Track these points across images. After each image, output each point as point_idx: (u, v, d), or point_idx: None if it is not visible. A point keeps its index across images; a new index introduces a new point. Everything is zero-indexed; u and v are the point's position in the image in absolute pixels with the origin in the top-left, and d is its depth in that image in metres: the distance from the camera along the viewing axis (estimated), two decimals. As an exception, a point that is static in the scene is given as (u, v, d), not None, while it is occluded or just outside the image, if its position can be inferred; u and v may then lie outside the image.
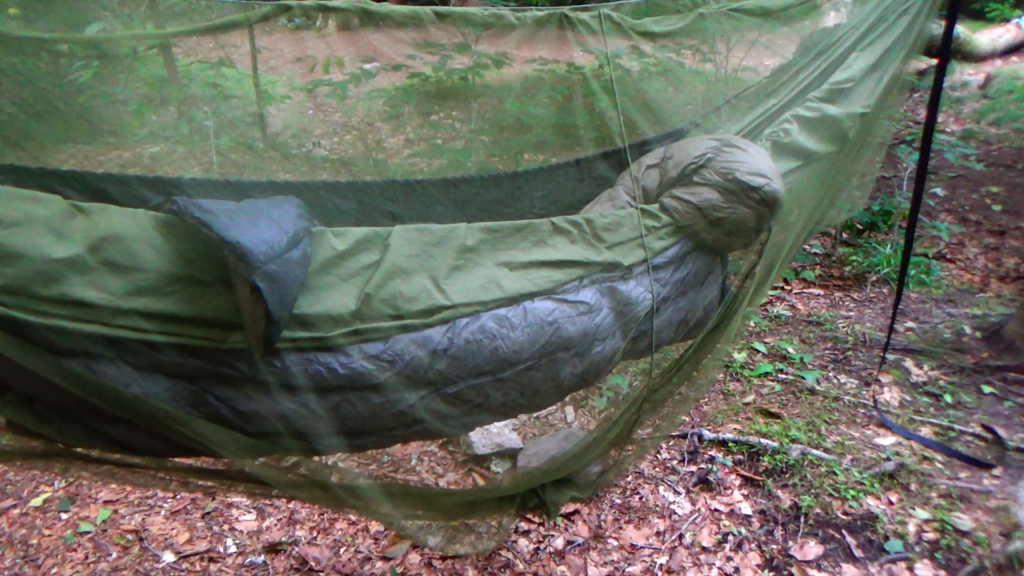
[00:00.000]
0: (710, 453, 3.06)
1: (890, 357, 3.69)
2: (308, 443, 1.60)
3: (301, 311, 1.48)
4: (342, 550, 2.52)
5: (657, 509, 2.74)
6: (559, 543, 2.57)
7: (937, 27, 3.03)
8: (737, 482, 2.87)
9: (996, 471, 2.86)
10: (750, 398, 3.43)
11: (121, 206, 1.44)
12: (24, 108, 1.88)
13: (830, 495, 2.74)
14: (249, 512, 2.66)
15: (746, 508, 2.72)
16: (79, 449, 1.57)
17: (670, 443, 3.09)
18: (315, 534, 2.58)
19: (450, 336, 1.64)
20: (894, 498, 2.73)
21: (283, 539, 2.55)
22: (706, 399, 3.44)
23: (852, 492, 2.75)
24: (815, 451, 2.99)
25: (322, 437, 1.60)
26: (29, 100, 1.90)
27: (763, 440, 3.06)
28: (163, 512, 2.64)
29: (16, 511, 2.62)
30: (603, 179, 2.13)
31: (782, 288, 4.68)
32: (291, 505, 2.68)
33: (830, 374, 3.62)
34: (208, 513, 2.65)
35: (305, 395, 1.53)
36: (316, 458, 1.73)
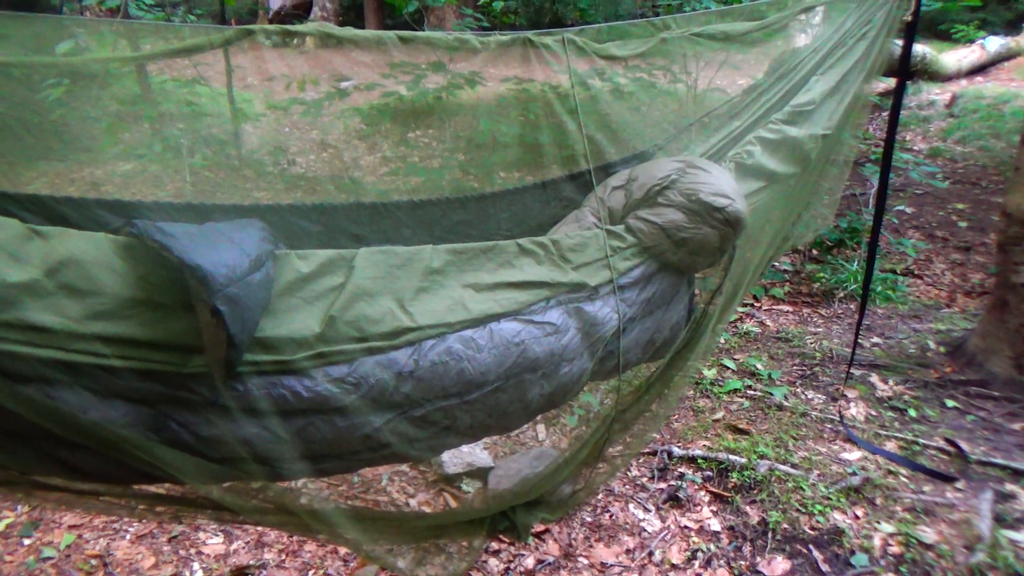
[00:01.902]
0: (680, 470, 3.07)
1: (856, 372, 3.75)
2: (272, 468, 1.59)
3: (264, 334, 1.47)
4: (311, 573, 2.50)
5: (627, 527, 2.75)
6: (529, 562, 2.57)
7: (897, 49, 3.11)
8: (706, 498, 2.89)
9: (959, 484, 2.91)
10: (719, 414, 3.46)
11: (81, 229, 1.43)
12: None
13: (797, 510, 2.77)
14: (216, 535, 2.62)
15: (715, 524, 2.74)
16: (36, 477, 1.54)
17: (640, 460, 3.11)
18: (284, 557, 2.55)
19: (416, 358, 1.64)
20: (860, 512, 2.76)
21: (251, 562, 2.52)
22: (676, 416, 3.46)
23: (819, 507, 2.77)
24: (783, 467, 3.02)
25: (287, 462, 1.58)
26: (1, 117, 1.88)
27: (732, 456, 3.09)
28: (128, 536, 2.60)
29: (-24, 538, 2.56)
30: (569, 201, 2.16)
31: (752, 305, 4.74)
32: (259, 528, 2.65)
33: (798, 390, 3.67)
34: (175, 537, 2.61)
35: (269, 419, 1.51)
36: (282, 483, 1.71)
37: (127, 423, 1.42)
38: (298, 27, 1.58)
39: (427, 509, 2.80)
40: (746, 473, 2.97)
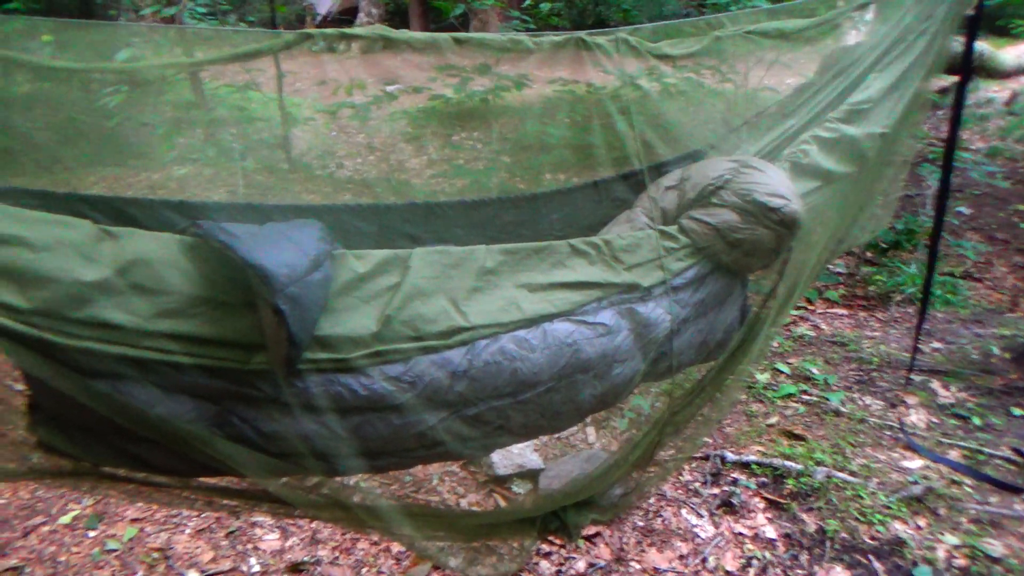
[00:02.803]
0: (733, 475, 3.02)
1: (916, 378, 3.64)
2: (329, 464, 1.61)
3: (322, 333, 1.50)
4: (364, 570, 2.53)
5: (680, 532, 2.71)
6: (581, 566, 2.56)
7: (958, 45, 3.02)
8: (761, 505, 2.84)
9: (1028, 495, 2.80)
10: (773, 419, 3.39)
11: (148, 230, 1.48)
12: (55, 132, 1.94)
13: (856, 519, 2.70)
14: (272, 531, 2.68)
15: (770, 532, 2.69)
16: (106, 468, 1.60)
17: (692, 465, 3.07)
18: (337, 554, 2.59)
19: (470, 358, 1.65)
20: (922, 523, 2.68)
21: (305, 559, 2.56)
22: (729, 420, 3.40)
23: (879, 516, 2.70)
24: (841, 474, 2.95)
25: (343, 458, 1.61)
26: (60, 125, 1.95)
27: (787, 462, 3.03)
28: (188, 531, 2.67)
29: (46, 528, 2.66)
30: (621, 201, 2.15)
31: (805, 308, 4.64)
32: (313, 525, 2.69)
33: (855, 395, 3.58)
34: (232, 532, 2.67)
35: (326, 416, 1.54)
36: (338, 479, 1.74)
37: (192, 418, 1.46)
38: (355, 30, 1.61)
39: (477, 509, 2.81)
40: (802, 480, 2.91)
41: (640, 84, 2.16)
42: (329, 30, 1.58)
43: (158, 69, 2.05)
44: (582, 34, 1.89)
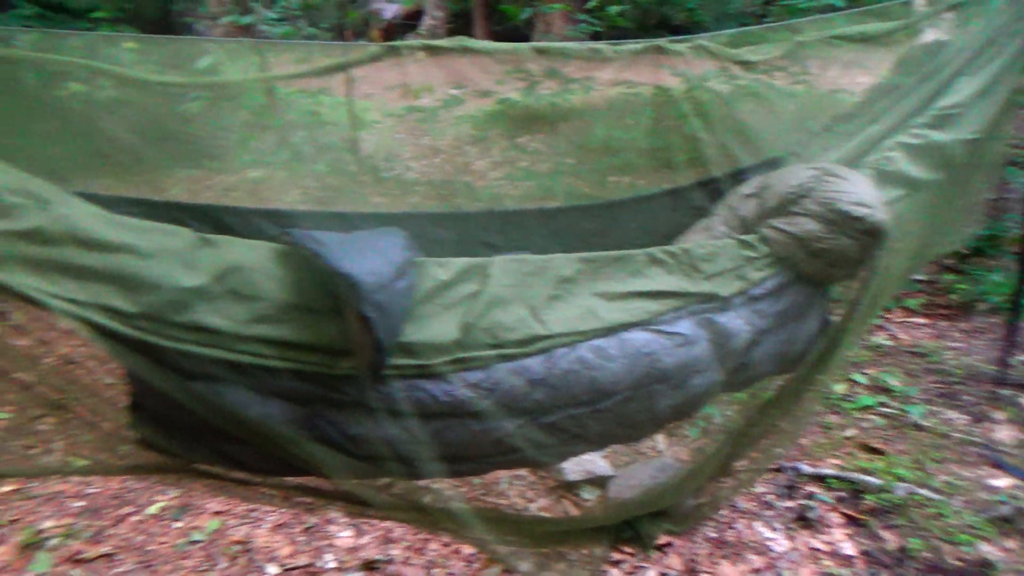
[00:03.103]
0: (809, 488, 2.95)
1: (1003, 392, 3.48)
2: (410, 467, 1.64)
3: (406, 339, 1.53)
4: (435, 571, 2.57)
5: (753, 545, 2.67)
6: (651, 575, 2.54)
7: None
8: (839, 520, 2.76)
9: None
10: (851, 432, 3.30)
11: (242, 237, 1.54)
12: (138, 135, 2.03)
13: (940, 538, 2.60)
14: (347, 529, 2.74)
15: (849, 548, 2.61)
16: (201, 466, 1.67)
17: (766, 476, 3.01)
18: (409, 554, 2.63)
19: (548, 366, 1.66)
20: (1012, 544, 2.56)
21: (379, 557, 2.62)
22: (803, 432, 3.32)
23: (964, 536, 2.60)
24: (923, 491, 2.85)
25: (424, 462, 1.64)
26: (143, 128, 2.04)
27: (866, 477, 2.94)
28: (267, 525, 2.76)
29: (135, 518, 2.79)
30: (699, 209, 2.12)
31: (883, 317, 4.49)
32: (386, 524, 2.75)
33: (937, 409, 3.45)
34: (309, 528, 2.75)
35: (409, 420, 1.57)
36: (417, 482, 1.77)
37: (283, 420, 1.52)
38: (440, 41, 1.64)
39: (547, 515, 2.81)
40: (883, 496, 2.82)
41: (718, 88, 2.13)
42: (414, 42, 1.62)
43: (235, 85, 2.14)
44: (661, 41, 1.88)
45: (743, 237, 1.95)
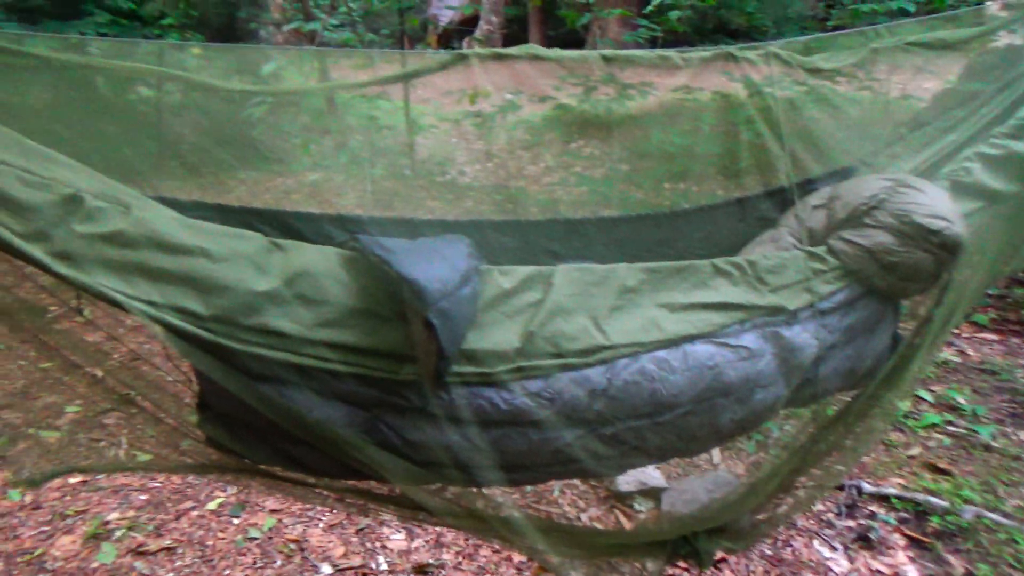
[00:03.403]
0: (870, 508, 2.86)
1: (1082, 414, 3.32)
2: (469, 475, 1.64)
3: (469, 346, 1.53)
4: (485, 577, 2.57)
5: (811, 564, 2.59)
6: (704, 591, 2.49)
7: None
8: (902, 542, 2.67)
9: None
10: (915, 451, 3.18)
11: (310, 242, 1.57)
12: (202, 138, 2.09)
13: (1012, 566, 2.49)
14: (399, 532, 2.76)
15: (912, 572, 2.52)
16: (263, 466, 1.70)
17: (825, 494, 2.92)
18: (460, 559, 2.64)
19: (609, 376, 1.64)
20: (1090, 576, 2.44)
21: (431, 561, 2.63)
22: (868, 451, 3.22)
23: (1038, 565, 2.48)
24: (992, 515, 2.73)
25: (482, 470, 1.64)
26: (206, 131, 2.10)
27: (931, 498, 2.84)
28: (321, 525, 2.80)
29: (195, 512, 2.86)
30: (765, 219, 2.08)
31: (951, 331, 4.33)
32: (438, 528, 2.76)
33: (1008, 429, 3.30)
34: (361, 529, 2.78)
35: (469, 428, 1.57)
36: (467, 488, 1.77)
37: (345, 423, 1.53)
38: (509, 50, 1.64)
39: (598, 525, 2.79)
40: (949, 518, 2.71)
41: (781, 94, 2.08)
42: (483, 50, 1.62)
43: (298, 95, 2.18)
44: (732, 48, 1.85)
45: (811, 249, 1.90)
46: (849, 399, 2.07)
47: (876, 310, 1.96)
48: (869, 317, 1.95)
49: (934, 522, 2.72)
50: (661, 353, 1.69)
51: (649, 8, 7.15)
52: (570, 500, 2.93)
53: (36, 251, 1.29)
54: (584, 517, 2.85)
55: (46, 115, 1.80)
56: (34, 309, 1.63)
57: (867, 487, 2.94)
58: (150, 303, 1.34)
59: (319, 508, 2.86)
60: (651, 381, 1.67)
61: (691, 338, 1.72)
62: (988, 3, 2.40)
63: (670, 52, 1.78)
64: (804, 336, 1.83)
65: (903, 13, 5.40)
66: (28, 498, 2.93)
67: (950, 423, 3.36)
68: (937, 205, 1.89)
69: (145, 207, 1.43)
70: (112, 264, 1.33)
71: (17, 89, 1.78)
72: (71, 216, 1.33)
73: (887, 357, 2.04)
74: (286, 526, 2.79)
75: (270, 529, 2.77)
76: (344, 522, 2.82)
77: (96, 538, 2.72)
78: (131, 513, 2.86)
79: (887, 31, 2.05)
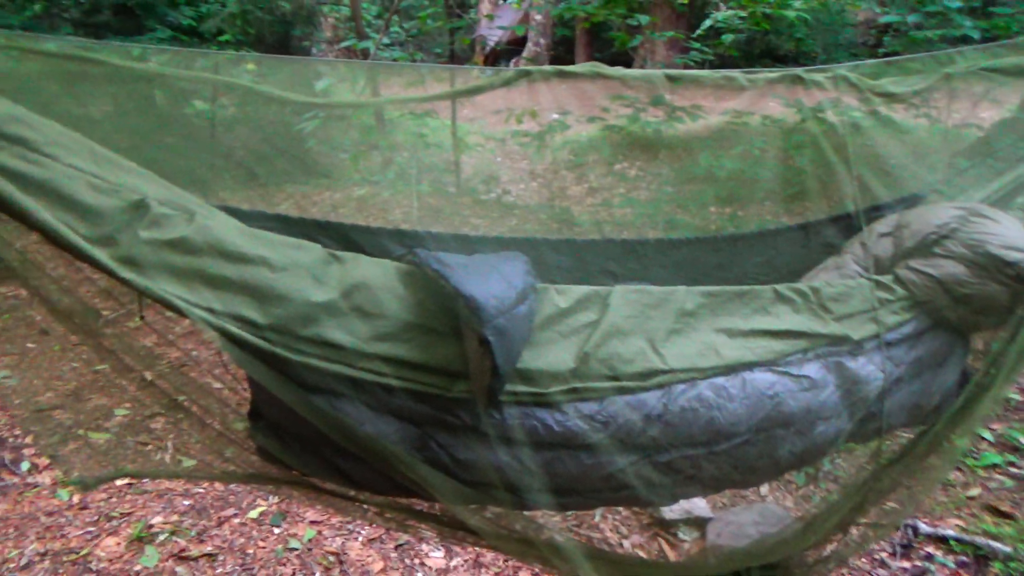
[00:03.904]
0: (927, 549, 2.74)
1: None
2: (518, 497, 1.61)
3: (523, 366, 1.51)
4: (524, 601, 2.52)
5: (864, 606, 2.49)
6: (752, 628, 2.40)
7: None
8: (961, 588, 2.55)
9: None
10: (975, 491, 3.05)
11: (368, 255, 1.56)
12: (254, 152, 2.11)
13: (1081, 619, 2.36)
14: (438, 550, 2.73)
15: (973, 620, 2.40)
16: (312, 479, 1.69)
17: (882, 535, 2.81)
18: (499, 581, 2.60)
19: (665, 402, 1.60)
20: None
21: (469, 582, 2.60)
22: (920, 486, 3.10)
23: (1110, 619, 2.34)
24: (1059, 563, 2.59)
25: (532, 492, 1.60)
26: (258, 145, 2.12)
27: (992, 542, 2.70)
28: (361, 539, 2.78)
29: (237, 520, 2.87)
30: (829, 246, 2.02)
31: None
32: (476, 548, 2.72)
33: (1075, 474, 3.15)
34: (401, 545, 2.76)
35: (520, 449, 1.54)
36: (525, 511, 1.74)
37: (396, 439, 1.51)
38: (572, 67, 1.62)
39: (641, 552, 2.72)
40: (1012, 565, 2.58)
41: (853, 118, 2.03)
42: (547, 67, 1.61)
43: (349, 108, 2.19)
44: (799, 71, 1.81)
45: (878, 277, 1.84)
46: (913, 436, 1.99)
47: (945, 343, 1.88)
48: (938, 351, 1.87)
49: (995, 567, 2.60)
50: (719, 380, 1.65)
51: (700, 31, 7.13)
52: (612, 525, 2.87)
53: (102, 255, 1.30)
54: (627, 543, 2.79)
55: (107, 125, 1.85)
56: (90, 311, 1.65)
57: (924, 527, 2.82)
58: (209, 310, 1.34)
59: (359, 522, 2.84)
60: (708, 408, 1.62)
61: (751, 365, 1.67)
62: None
63: (735, 73, 1.74)
64: (869, 368, 1.76)
65: (964, 40, 5.28)
66: (76, 498, 2.97)
67: (1012, 464, 3.21)
68: (1013, 236, 1.81)
69: (209, 215, 1.44)
70: (175, 270, 1.34)
71: (80, 101, 1.83)
72: (137, 222, 1.34)
73: (955, 394, 1.96)
74: (326, 538, 2.78)
75: (310, 540, 2.76)
76: (383, 537, 2.80)
77: (140, 541, 2.75)
78: (174, 517, 2.88)
79: (959, 55, 1.98)
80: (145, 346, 1.96)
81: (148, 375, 1.80)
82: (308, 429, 1.50)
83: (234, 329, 1.36)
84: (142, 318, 1.58)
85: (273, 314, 1.38)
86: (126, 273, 1.31)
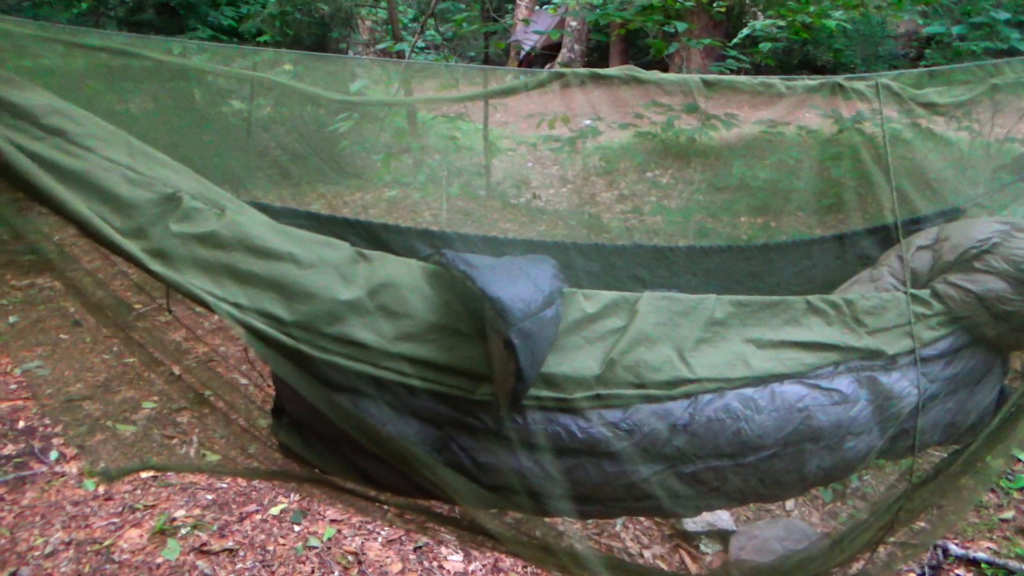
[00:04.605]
0: (957, 572, 2.66)
1: None
2: (538, 503, 1.59)
3: (548, 370, 1.49)
4: (542, 608, 2.49)
5: (892, 629, 2.42)
6: (774, 646, 2.35)
7: None
8: (993, 613, 2.47)
9: None
10: (1009, 514, 2.96)
11: (396, 254, 1.56)
12: (288, 151, 2.12)
13: (1120, 652, 2.27)
14: (456, 553, 2.72)
15: (1005, 647, 2.33)
16: (333, 477, 1.68)
17: (911, 555, 2.74)
18: (517, 587, 2.58)
19: (692, 412, 1.57)
20: None
21: (487, 587, 2.58)
22: (952, 507, 3.02)
23: None
24: (1097, 593, 2.50)
25: (552, 499, 1.58)
26: (293, 144, 2.13)
27: (1026, 568, 2.62)
28: (380, 539, 2.78)
29: (258, 516, 2.89)
30: (865, 257, 1.97)
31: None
32: (496, 552, 2.70)
33: (1116, 500, 3.04)
34: (419, 548, 2.75)
35: (542, 454, 1.53)
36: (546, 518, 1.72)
37: (417, 440, 1.50)
38: (608, 70, 1.61)
39: (662, 564, 2.68)
40: (1046, 591, 2.50)
41: (893, 128, 1.98)
42: (581, 70, 1.59)
43: (382, 107, 2.17)
44: (839, 78, 1.77)
45: (915, 291, 1.79)
46: (947, 455, 1.93)
47: (983, 361, 1.83)
48: (975, 368, 1.82)
49: (1030, 595, 2.52)
50: (748, 391, 1.61)
51: (737, 40, 7.06)
52: (633, 535, 2.83)
53: (133, 247, 1.31)
54: (647, 554, 2.75)
55: (146, 122, 1.87)
56: (123, 304, 1.67)
57: (954, 549, 2.74)
58: (236, 305, 1.35)
59: (378, 523, 2.84)
60: (736, 420, 1.59)
61: (780, 377, 1.64)
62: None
63: (774, 79, 1.71)
64: (903, 384, 1.71)
65: (1010, 53, 5.15)
66: (101, 489, 3.01)
67: (1049, 488, 3.11)
68: (1056, 252, 1.75)
69: (239, 210, 1.44)
70: (203, 264, 1.35)
71: (122, 98, 1.86)
72: (169, 215, 1.35)
73: (992, 413, 1.90)
74: (345, 537, 2.78)
75: (329, 539, 2.77)
76: (403, 538, 2.79)
77: (163, 534, 2.77)
78: (197, 512, 2.91)
79: (1007, 66, 1.93)
80: (174, 340, 1.98)
81: (176, 369, 1.82)
82: (330, 427, 1.49)
83: (260, 325, 1.36)
84: (170, 311, 1.59)
85: (299, 311, 1.38)
86: (156, 266, 1.32)
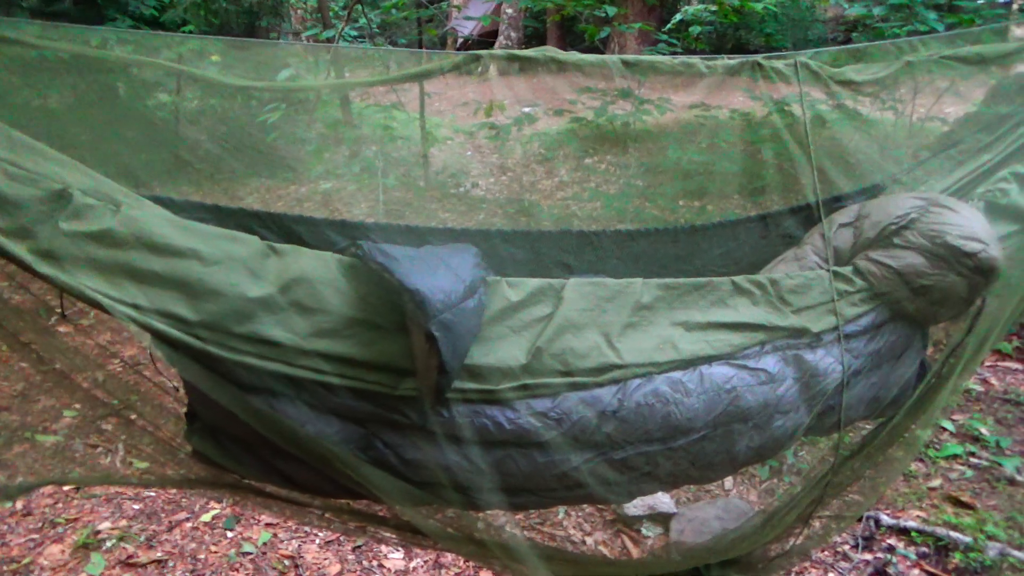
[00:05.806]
0: (888, 541, 2.74)
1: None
2: (468, 497, 1.56)
3: (472, 362, 1.45)
4: (485, 601, 2.47)
5: (827, 600, 2.48)
6: (714, 625, 2.37)
7: None
8: (921, 579, 2.55)
9: None
10: (936, 482, 3.06)
11: (310, 248, 1.49)
12: (218, 145, 2.03)
13: (1040, 609, 2.37)
14: (397, 551, 2.67)
15: (933, 611, 2.40)
16: (250, 482, 1.62)
17: (844, 527, 2.80)
18: (459, 582, 2.54)
19: (620, 397, 1.55)
20: (1124, 622, 2.31)
21: (428, 583, 2.54)
22: (882, 477, 3.10)
23: (1068, 609, 2.36)
24: (1018, 552, 2.60)
25: (482, 492, 1.55)
26: (223, 137, 2.04)
27: (952, 533, 2.71)
28: (318, 541, 2.71)
29: (188, 524, 2.78)
30: (789, 237, 1.99)
31: (973, 359, 4.19)
32: (436, 549, 2.66)
33: (1034, 463, 3.17)
34: (359, 547, 2.69)
35: (470, 448, 1.49)
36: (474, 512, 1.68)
37: (339, 439, 1.45)
38: (526, 52, 1.56)
39: (604, 549, 2.69)
40: (971, 555, 2.59)
41: (815, 108, 1.99)
42: (499, 51, 1.55)
43: (312, 90, 2.09)
44: (758, 58, 1.77)
45: (837, 269, 1.81)
46: (872, 428, 1.97)
47: (904, 335, 1.86)
48: (896, 343, 1.85)
49: (956, 558, 2.60)
50: (676, 374, 1.61)
51: (670, 25, 7.12)
52: (575, 522, 2.83)
53: (18, 249, 1.23)
54: (590, 541, 2.75)
55: (66, 118, 1.76)
56: (24, 313, 1.57)
57: (885, 519, 2.82)
58: (135, 306, 1.27)
59: (315, 525, 2.77)
60: (665, 404, 1.58)
61: (708, 359, 1.64)
62: (1011, 24, 2.31)
63: (694, 59, 1.69)
64: (828, 360, 1.73)
65: (930, 33, 5.31)
66: (19, 504, 2.86)
67: (972, 455, 3.23)
68: (972, 226, 1.79)
69: (136, 205, 1.35)
70: (98, 264, 1.26)
71: (39, 92, 1.74)
72: (57, 213, 1.26)
73: (914, 386, 1.94)
74: (281, 541, 2.70)
75: (264, 544, 2.68)
76: (341, 539, 2.73)
77: (86, 548, 2.65)
78: (123, 522, 2.78)
79: (921, 44, 1.96)
80: (99, 344, 1.88)
81: (99, 376, 1.72)
82: (246, 431, 1.43)
83: (162, 326, 1.29)
84: (63, 315, 1.50)
85: (205, 310, 1.31)
86: (44, 268, 1.23)
